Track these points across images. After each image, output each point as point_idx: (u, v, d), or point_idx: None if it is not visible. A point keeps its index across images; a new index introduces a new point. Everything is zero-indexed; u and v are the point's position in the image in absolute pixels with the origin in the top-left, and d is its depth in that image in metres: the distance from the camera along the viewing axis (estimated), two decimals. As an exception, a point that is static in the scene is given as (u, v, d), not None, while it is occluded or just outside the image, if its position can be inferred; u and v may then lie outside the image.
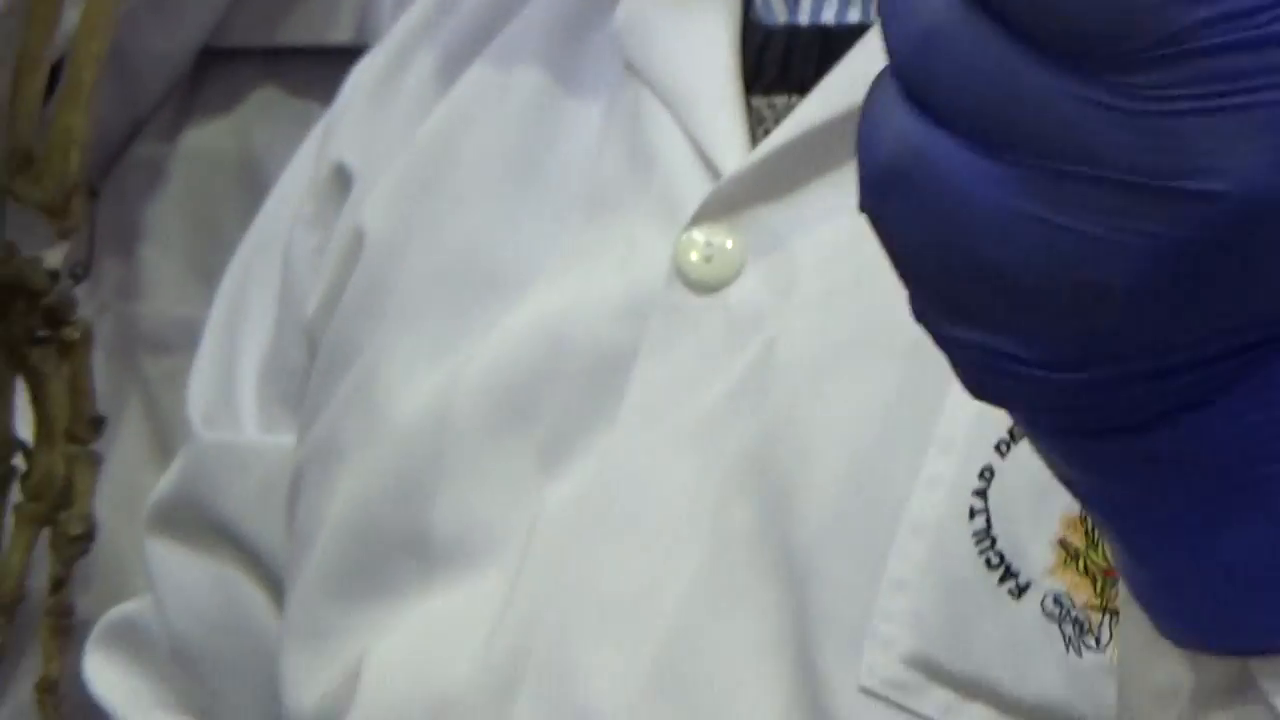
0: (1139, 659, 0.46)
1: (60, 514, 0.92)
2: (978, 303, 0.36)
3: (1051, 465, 0.41)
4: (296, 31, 1.20)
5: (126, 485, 1.08)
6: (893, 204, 0.37)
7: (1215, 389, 0.36)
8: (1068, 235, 0.34)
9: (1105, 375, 0.36)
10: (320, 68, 1.13)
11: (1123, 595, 0.45)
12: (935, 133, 0.35)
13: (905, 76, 0.35)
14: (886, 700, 0.65)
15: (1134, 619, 0.44)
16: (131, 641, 0.92)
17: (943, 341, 0.38)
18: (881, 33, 0.37)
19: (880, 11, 0.37)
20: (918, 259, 0.37)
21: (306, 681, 0.81)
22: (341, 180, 0.89)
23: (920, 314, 0.38)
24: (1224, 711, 0.41)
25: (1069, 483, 0.41)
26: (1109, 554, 0.48)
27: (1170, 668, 0.42)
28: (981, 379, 0.37)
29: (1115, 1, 0.32)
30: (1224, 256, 0.34)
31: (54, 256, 0.98)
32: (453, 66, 0.88)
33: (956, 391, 0.50)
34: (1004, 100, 0.35)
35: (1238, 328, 0.35)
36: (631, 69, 0.80)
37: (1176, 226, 0.34)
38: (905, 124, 0.36)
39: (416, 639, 0.77)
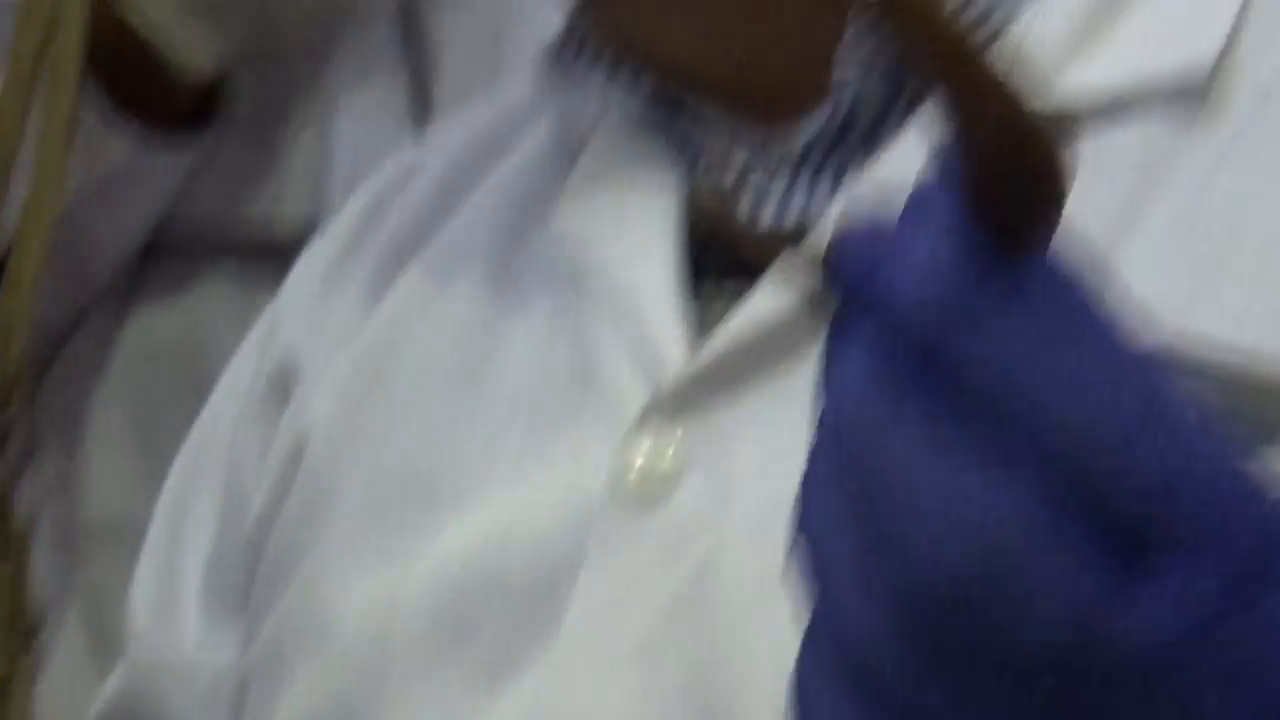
0: None
1: (8, 687, 0.92)
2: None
3: None
4: (243, 224, 1.20)
5: (67, 682, 1.06)
6: None
7: None
8: None
9: None
10: (267, 259, 1.12)
11: None
12: None
13: (841, 662, 0.41)
14: None
15: None
16: None
17: None
18: (813, 613, 0.41)
19: None
20: None
21: None
22: (286, 376, 0.88)
23: None
24: None
25: None
26: None
27: None
28: None
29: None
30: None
31: None
32: (396, 262, 0.88)
33: None
34: (943, 710, 0.40)
35: None
36: (573, 273, 0.80)
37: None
38: (838, 708, 0.41)
39: None
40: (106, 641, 1.10)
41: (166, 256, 1.21)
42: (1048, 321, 0.38)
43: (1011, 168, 0.37)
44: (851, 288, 0.39)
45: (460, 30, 1.27)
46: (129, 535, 0.98)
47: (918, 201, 0.40)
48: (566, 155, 0.83)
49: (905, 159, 0.71)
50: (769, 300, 0.72)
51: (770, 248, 0.42)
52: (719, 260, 0.76)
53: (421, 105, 1.26)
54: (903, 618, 0.40)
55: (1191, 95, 0.62)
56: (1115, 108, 0.62)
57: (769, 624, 0.67)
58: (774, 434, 0.70)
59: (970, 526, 0.38)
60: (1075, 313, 0.39)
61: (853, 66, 0.74)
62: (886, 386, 0.39)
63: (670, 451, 0.71)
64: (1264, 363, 0.65)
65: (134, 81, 1.18)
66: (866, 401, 0.39)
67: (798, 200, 0.75)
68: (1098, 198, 0.68)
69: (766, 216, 0.75)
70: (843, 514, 0.40)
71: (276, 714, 0.80)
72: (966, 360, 0.39)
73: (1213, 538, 0.38)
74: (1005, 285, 0.38)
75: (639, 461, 0.72)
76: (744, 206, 0.76)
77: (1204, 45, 0.72)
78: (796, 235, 0.74)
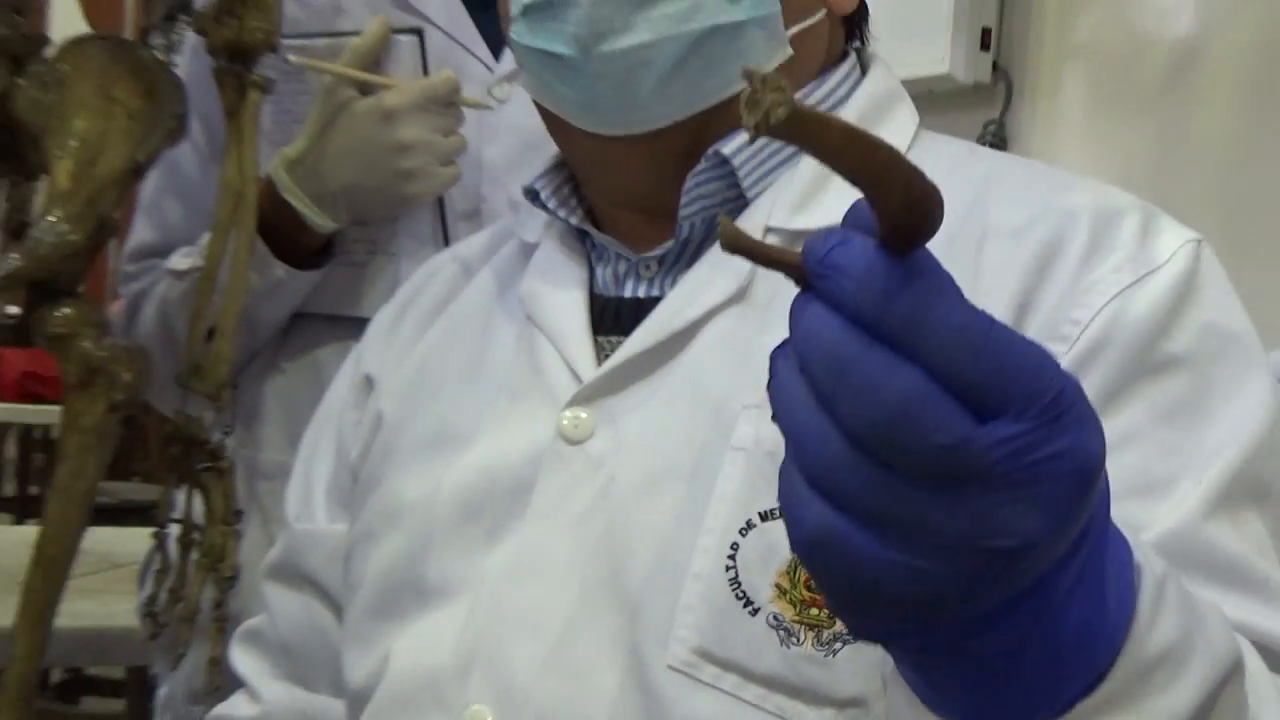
0: (903, 715, 0.60)
1: (220, 565, 1.11)
2: (866, 603, 0.51)
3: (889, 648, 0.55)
4: (342, 306, 1.49)
5: (251, 552, 1.29)
6: (817, 558, 0.50)
7: (981, 631, 0.51)
8: (918, 573, 0.48)
9: (929, 631, 0.51)
10: (352, 323, 1.38)
11: (887, 671, 0.61)
12: (838, 518, 0.49)
13: (813, 483, 0.49)
14: (682, 674, 0.78)
15: (901, 692, 0.59)
16: (256, 640, 1.07)
17: (846, 622, 0.53)
18: (789, 456, 0.50)
19: (786, 454, 0.50)
20: (837, 584, 0.51)
21: (356, 667, 0.93)
22: (368, 384, 1.04)
23: (830, 604, 0.54)
24: None
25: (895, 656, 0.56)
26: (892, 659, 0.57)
27: None
28: (868, 632, 0.53)
29: (939, 453, 0.46)
30: (999, 581, 0.49)
31: (211, 421, 1.15)
32: (429, 320, 1.03)
33: (715, 502, 0.78)
34: (882, 500, 0.48)
35: (1002, 603, 0.50)
36: (530, 318, 0.93)
37: (975, 567, 0.48)
38: (815, 509, 0.49)
39: (416, 642, 0.89)
40: (270, 526, 1.42)
41: (302, 322, 1.51)
42: (928, 281, 0.47)
43: (907, 206, 0.46)
44: (811, 263, 0.48)
45: (457, 199, 1.46)
46: (281, 471, 1.29)
47: (849, 219, 0.49)
48: (526, 255, 0.98)
49: (714, 265, 0.86)
50: (633, 346, 0.87)
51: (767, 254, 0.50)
52: (606, 318, 0.92)
53: (443, 238, 1.46)
54: (849, 440, 0.48)
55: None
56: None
57: (644, 511, 0.82)
58: (637, 412, 0.86)
59: (887, 394, 0.46)
60: (939, 279, 0.48)
61: (688, 214, 0.88)
62: (834, 318, 0.48)
63: (585, 419, 0.87)
64: None
65: (286, 233, 1.40)
66: (824, 326, 0.48)
67: (654, 286, 0.90)
68: None
69: (638, 293, 0.91)
70: (805, 390, 0.49)
71: (369, 564, 0.94)
72: (883, 301, 0.47)
73: (1028, 396, 0.47)
74: (903, 265, 0.47)
75: (566, 425, 0.87)
76: (623, 288, 0.92)
77: None
78: (650, 304, 0.88)
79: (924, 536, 0.47)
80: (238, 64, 1.02)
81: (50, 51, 0.97)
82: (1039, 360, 0.48)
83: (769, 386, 0.50)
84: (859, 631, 0.53)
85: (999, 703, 0.54)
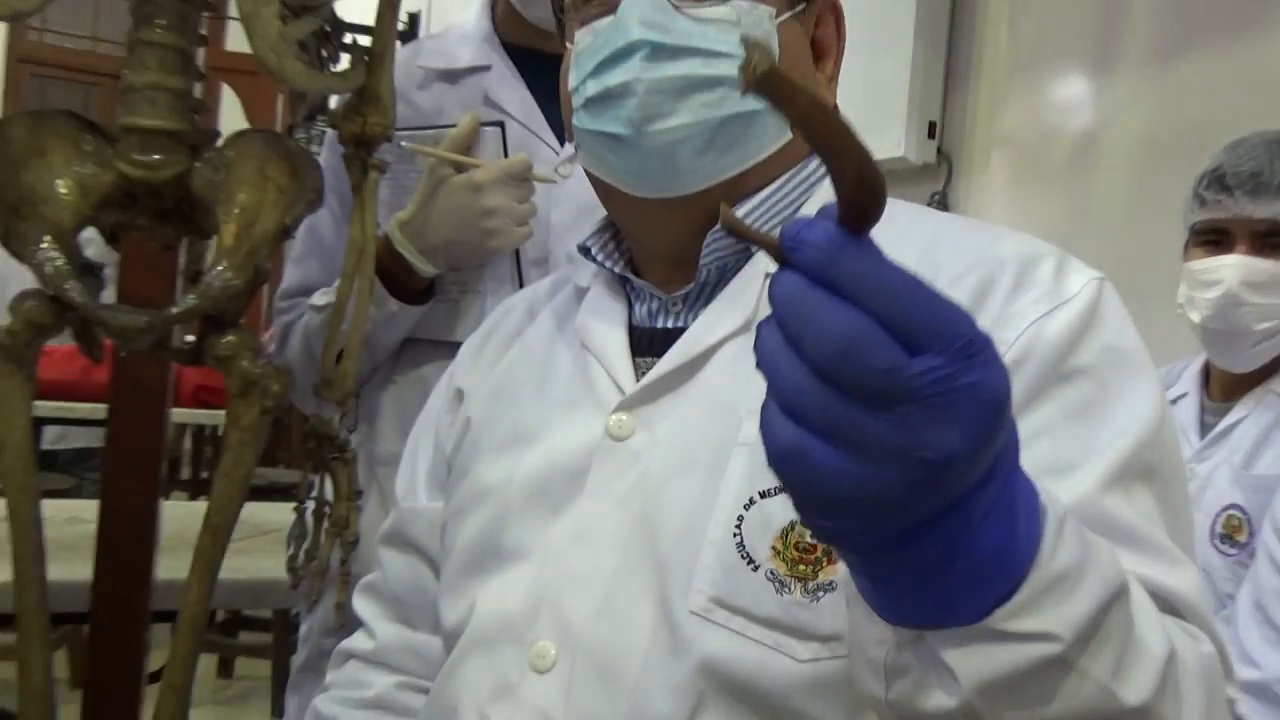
0: (861, 628, 0.59)
1: (344, 532, 1.11)
2: (825, 506, 0.50)
3: (837, 546, 0.54)
4: (441, 333, 1.49)
5: (369, 523, 1.30)
6: (787, 469, 0.50)
7: (914, 539, 0.51)
8: (864, 480, 0.48)
9: (875, 531, 0.51)
10: (449, 347, 1.36)
11: (850, 594, 0.59)
12: (804, 435, 0.49)
13: (784, 409, 0.49)
14: (700, 617, 0.78)
15: (859, 607, 0.58)
16: (373, 591, 1.06)
17: (809, 523, 0.52)
18: (767, 393, 0.49)
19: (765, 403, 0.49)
20: (802, 490, 0.50)
21: (450, 612, 0.93)
22: (459, 396, 1.04)
23: (798, 508, 0.51)
24: (908, 651, 0.57)
25: (844, 555, 0.55)
26: (850, 573, 0.57)
27: (880, 632, 0.58)
28: (828, 533, 0.53)
29: (879, 376, 0.46)
30: (928, 489, 0.48)
31: (339, 421, 1.12)
32: (505, 345, 1.04)
33: (725, 485, 0.78)
34: (836, 419, 0.48)
35: (937, 508, 0.50)
36: (583, 345, 0.93)
37: (908, 475, 0.48)
38: (787, 430, 0.49)
39: (496, 593, 0.88)
40: (386, 504, 1.42)
41: (410, 345, 1.52)
42: (875, 252, 0.48)
43: (859, 182, 0.45)
44: (786, 239, 0.48)
45: (529, 251, 1.45)
46: (393, 459, 1.26)
47: (818, 214, 0.49)
48: (579, 297, 0.98)
49: (727, 303, 0.86)
50: (664, 367, 0.86)
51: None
52: (643, 344, 0.91)
53: (518, 281, 1.45)
54: (811, 372, 0.48)
55: None
56: None
57: (671, 492, 0.82)
58: (667, 416, 0.85)
59: (839, 331, 0.47)
60: (883, 254, 0.48)
61: (706, 263, 0.87)
62: (801, 279, 0.48)
63: (627, 421, 0.86)
64: None
65: (398, 277, 1.42)
66: (793, 285, 0.48)
67: (680, 319, 0.89)
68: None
69: (667, 324, 0.90)
70: (779, 338, 0.49)
71: (460, 534, 0.93)
72: (837, 262, 0.48)
73: (949, 337, 0.48)
74: (857, 239, 0.48)
75: (613, 426, 0.87)
76: (655, 321, 0.90)
77: None
78: (677, 333, 0.87)
79: (869, 448, 0.47)
80: (362, 151, 1.02)
81: (220, 142, 0.97)
82: (959, 314, 0.48)
83: (755, 347, 0.50)
84: (820, 533, 0.53)
85: (931, 606, 0.54)
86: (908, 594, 0.54)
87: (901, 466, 0.47)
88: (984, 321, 0.75)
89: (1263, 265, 1.62)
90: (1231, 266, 1.64)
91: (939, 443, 0.47)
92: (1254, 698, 1.39)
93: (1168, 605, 0.70)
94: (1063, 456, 0.74)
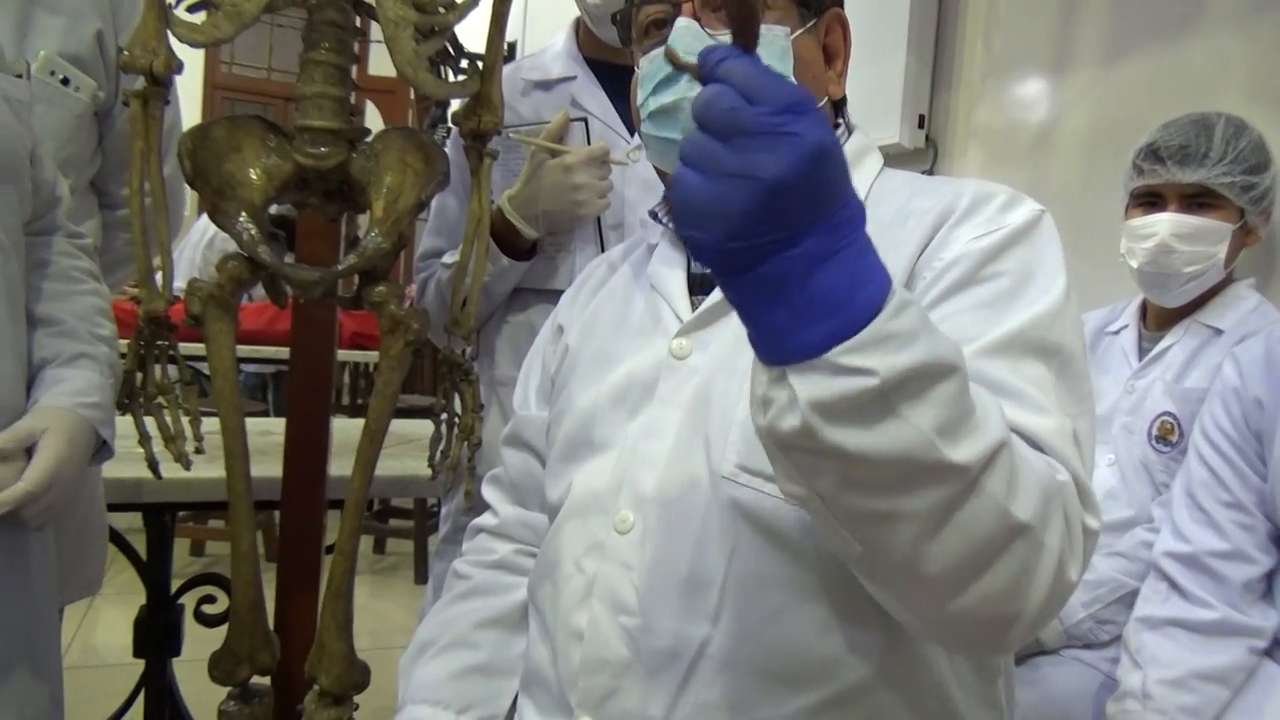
0: (755, 373, 0.57)
1: (471, 437, 1.06)
2: (692, 217, 0.51)
3: (724, 288, 0.54)
4: (543, 283, 1.49)
5: (492, 428, 1.35)
6: (676, 194, 0.52)
7: (759, 259, 0.51)
8: (718, 195, 0.50)
9: (729, 248, 0.51)
10: (553, 293, 1.40)
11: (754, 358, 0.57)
12: (684, 169, 0.50)
13: (681, 158, 0.51)
14: (730, 480, 0.78)
15: (754, 363, 0.57)
16: (497, 481, 1.08)
17: (683, 235, 0.52)
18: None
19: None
20: (680, 206, 0.52)
21: (553, 491, 0.93)
22: (560, 330, 1.05)
23: (676, 224, 0.53)
24: (775, 385, 0.56)
25: (725, 294, 0.54)
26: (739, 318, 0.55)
27: (760, 376, 0.57)
28: (695, 245, 0.52)
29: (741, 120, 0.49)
30: (762, 211, 0.49)
31: (465, 352, 1.08)
32: (594, 292, 1.05)
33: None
34: (702, 152, 0.50)
35: (806, 221, 0.50)
36: (653, 288, 0.94)
37: (748, 193, 0.49)
38: (678, 168, 0.51)
39: (588, 474, 0.89)
40: (505, 414, 1.45)
41: (519, 293, 1.52)
42: (749, 59, 0.51)
43: (739, 8, 0.51)
44: (700, 60, 0.52)
45: (609, 218, 1.44)
46: (509, 381, 1.35)
47: (729, 44, 0.52)
48: (649, 251, 0.98)
49: None
50: (711, 300, 0.87)
51: None
52: (697, 286, 0.92)
53: (601, 245, 1.44)
54: (697, 128, 0.51)
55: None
56: None
57: (717, 394, 0.82)
58: (715, 340, 0.85)
59: (711, 93, 0.50)
60: (754, 59, 0.51)
61: None
62: (713, 85, 0.51)
63: (685, 344, 0.86)
64: None
65: (508, 240, 1.44)
66: (713, 94, 0.51)
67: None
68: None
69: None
70: (703, 150, 0.51)
71: (560, 432, 0.94)
72: (721, 60, 0.51)
73: (783, 100, 0.50)
74: (740, 54, 0.51)
75: (675, 348, 0.87)
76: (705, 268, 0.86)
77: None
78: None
79: (717, 170, 0.49)
80: (478, 143, 1.00)
81: (369, 138, 0.96)
82: (798, 91, 0.50)
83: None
84: (691, 244, 0.52)
85: (775, 331, 0.53)
86: (761, 321, 0.53)
87: (740, 186, 0.48)
88: (934, 244, 0.76)
89: (1189, 220, 1.59)
90: (1164, 221, 1.60)
91: (764, 167, 0.48)
92: (1185, 566, 1.37)
93: (1031, 443, 0.65)
94: (963, 334, 0.70)
